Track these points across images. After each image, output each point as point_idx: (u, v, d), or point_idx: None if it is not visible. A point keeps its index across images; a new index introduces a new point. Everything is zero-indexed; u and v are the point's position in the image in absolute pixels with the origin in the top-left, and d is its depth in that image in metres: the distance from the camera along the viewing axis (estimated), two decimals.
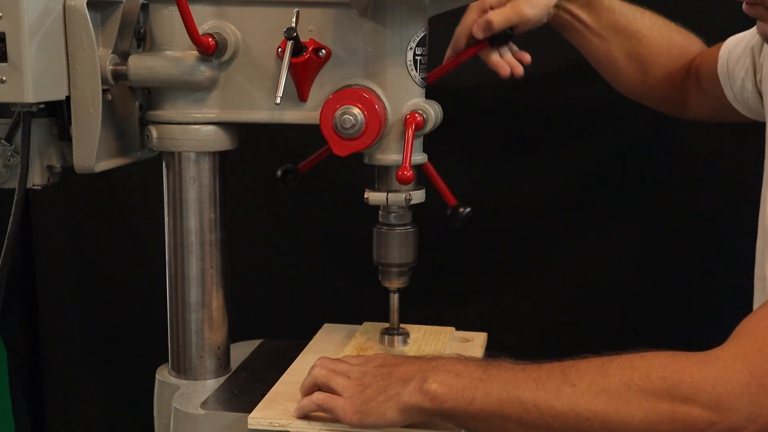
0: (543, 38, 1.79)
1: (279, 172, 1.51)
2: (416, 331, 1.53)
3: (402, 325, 1.45)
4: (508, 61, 1.45)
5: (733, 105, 1.46)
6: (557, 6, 1.47)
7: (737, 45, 1.45)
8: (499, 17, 1.41)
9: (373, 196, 1.33)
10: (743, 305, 1.12)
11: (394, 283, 1.39)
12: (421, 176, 1.36)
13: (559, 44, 1.78)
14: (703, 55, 1.53)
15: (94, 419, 2.04)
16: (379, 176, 1.34)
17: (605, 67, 1.56)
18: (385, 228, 1.36)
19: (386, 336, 1.42)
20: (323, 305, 1.86)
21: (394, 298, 1.41)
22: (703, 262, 1.84)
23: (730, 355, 1.03)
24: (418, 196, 1.34)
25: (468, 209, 1.44)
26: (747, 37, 1.43)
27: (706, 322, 1.80)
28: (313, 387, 1.22)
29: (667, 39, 1.54)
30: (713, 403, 1.01)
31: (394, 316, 1.42)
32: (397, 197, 1.32)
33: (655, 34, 1.53)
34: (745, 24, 1.32)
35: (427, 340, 1.50)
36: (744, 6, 1.23)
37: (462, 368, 1.14)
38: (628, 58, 1.52)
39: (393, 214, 1.36)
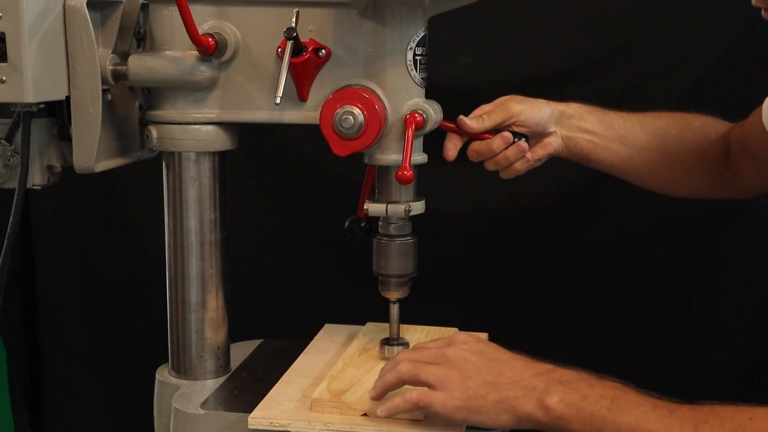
0: (543, 38, 1.79)
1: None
2: (419, 331, 1.53)
3: (404, 325, 1.45)
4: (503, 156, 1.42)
5: None
6: (570, 129, 1.44)
7: None
8: (488, 118, 1.40)
9: (373, 207, 1.33)
10: (744, 303, 1.12)
11: (394, 294, 1.39)
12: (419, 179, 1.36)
13: (558, 44, 1.79)
14: (743, 123, 1.49)
15: (94, 419, 2.04)
16: (379, 187, 1.34)
17: (644, 177, 1.51)
18: (384, 239, 1.36)
19: (386, 346, 1.41)
20: (323, 305, 1.86)
21: (394, 309, 1.41)
22: (704, 261, 1.84)
23: None
24: (418, 207, 1.34)
25: (363, 224, 1.41)
26: None
27: (707, 322, 1.81)
28: (398, 383, 1.17)
29: (684, 126, 1.50)
30: None
31: (394, 326, 1.41)
32: (397, 208, 1.32)
33: (671, 123, 1.49)
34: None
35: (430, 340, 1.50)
36: (763, 12, 1.22)
37: (588, 391, 1.09)
38: (658, 157, 1.48)
39: (393, 225, 1.35)
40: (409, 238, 1.36)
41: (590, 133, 1.45)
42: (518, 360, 1.16)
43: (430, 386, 1.13)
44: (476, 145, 1.41)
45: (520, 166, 1.43)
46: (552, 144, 1.44)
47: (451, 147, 1.41)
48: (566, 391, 1.09)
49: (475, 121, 1.39)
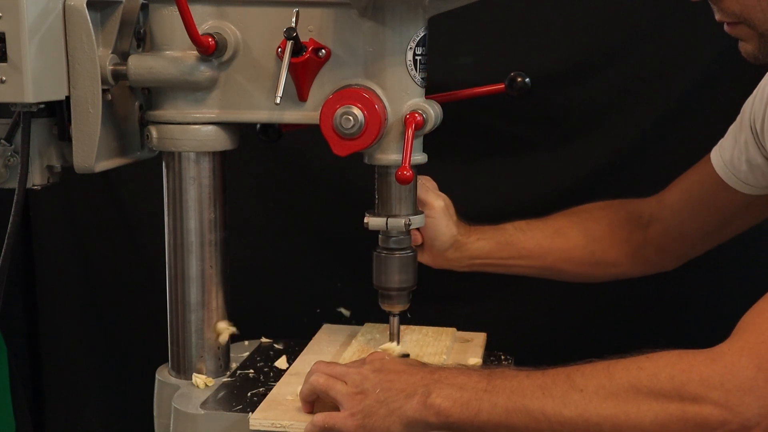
0: (543, 38, 1.79)
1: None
2: (417, 332, 1.53)
3: (403, 326, 1.45)
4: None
5: (745, 192, 1.42)
6: (462, 260, 1.52)
7: (723, 143, 1.44)
8: (423, 189, 1.45)
9: (373, 221, 1.33)
10: (745, 302, 1.12)
11: (395, 307, 1.39)
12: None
13: (558, 44, 1.78)
14: (663, 195, 1.54)
15: (94, 419, 2.04)
16: (380, 201, 1.34)
17: (555, 274, 1.59)
18: (384, 252, 1.36)
19: None
20: (323, 305, 1.86)
21: (394, 322, 1.41)
22: (704, 260, 1.83)
23: (736, 350, 1.03)
24: (418, 221, 1.34)
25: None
26: (732, 132, 1.43)
27: (707, 321, 1.80)
28: (312, 394, 1.21)
29: (588, 218, 1.57)
30: (723, 400, 1.00)
31: (395, 339, 1.42)
32: (397, 222, 1.33)
33: (574, 219, 1.57)
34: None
35: (428, 340, 1.50)
36: (726, 27, 1.24)
37: (465, 380, 1.13)
38: (563, 255, 1.55)
39: (393, 239, 1.36)
40: (408, 251, 1.37)
41: (486, 257, 1.54)
42: (411, 369, 1.19)
43: (337, 403, 1.18)
44: None
45: None
46: (425, 260, 1.51)
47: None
48: (444, 386, 1.13)
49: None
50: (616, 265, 1.56)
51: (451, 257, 1.51)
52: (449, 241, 1.49)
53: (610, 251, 1.54)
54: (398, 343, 1.41)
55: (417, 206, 1.37)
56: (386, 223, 1.33)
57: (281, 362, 1.43)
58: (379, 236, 1.37)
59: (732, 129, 1.43)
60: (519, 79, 1.40)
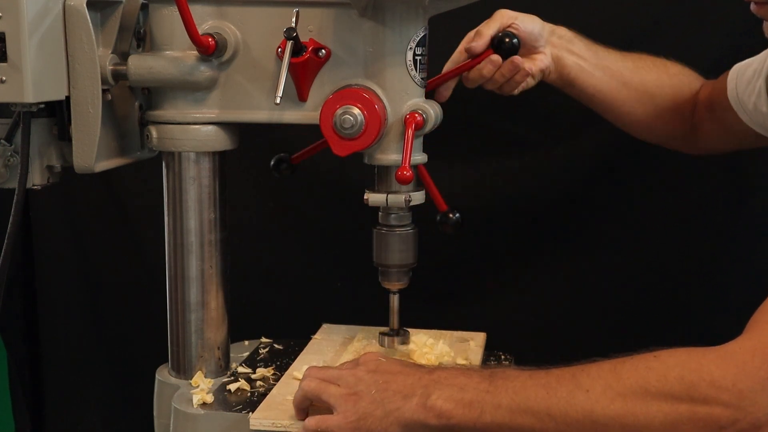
0: None
1: (272, 162, 1.50)
2: (417, 333, 1.53)
3: (410, 329, 1.45)
4: (502, 73, 1.41)
5: (750, 126, 1.44)
6: (560, 49, 1.47)
7: (746, 69, 1.45)
8: (486, 28, 1.40)
9: (373, 197, 1.33)
10: (745, 301, 1.12)
11: (395, 285, 1.39)
12: (419, 177, 1.36)
13: None
14: (714, 84, 1.53)
15: (94, 419, 2.04)
16: (379, 177, 1.34)
17: (620, 111, 1.54)
18: (385, 229, 1.36)
19: (386, 337, 1.41)
20: (323, 305, 1.86)
21: (394, 299, 1.41)
22: (704, 259, 1.84)
23: (748, 350, 1.02)
24: (418, 197, 1.34)
25: (457, 215, 1.41)
26: (756, 62, 1.42)
27: (707, 321, 1.81)
28: (305, 400, 1.19)
29: (663, 70, 1.55)
30: (735, 400, 0.99)
31: (394, 317, 1.41)
32: (397, 198, 1.32)
33: (650, 64, 1.54)
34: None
35: (428, 341, 1.49)
36: (752, 6, 1.22)
37: (466, 381, 1.11)
38: (635, 95, 1.52)
39: (393, 215, 1.35)
40: (409, 228, 1.36)
41: (578, 56, 1.48)
42: (407, 370, 1.16)
43: (330, 406, 1.15)
44: (469, 74, 1.40)
45: (519, 78, 1.42)
46: (543, 60, 1.44)
47: (445, 89, 1.41)
48: (444, 387, 1.11)
49: (475, 40, 1.38)
50: (667, 126, 1.54)
51: (554, 43, 1.45)
52: (539, 26, 1.42)
53: (669, 110, 1.53)
54: (398, 322, 1.41)
55: (417, 183, 1.36)
56: (386, 199, 1.33)
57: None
58: (380, 213, 1.37)
59: (756, 63, 1.43)
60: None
